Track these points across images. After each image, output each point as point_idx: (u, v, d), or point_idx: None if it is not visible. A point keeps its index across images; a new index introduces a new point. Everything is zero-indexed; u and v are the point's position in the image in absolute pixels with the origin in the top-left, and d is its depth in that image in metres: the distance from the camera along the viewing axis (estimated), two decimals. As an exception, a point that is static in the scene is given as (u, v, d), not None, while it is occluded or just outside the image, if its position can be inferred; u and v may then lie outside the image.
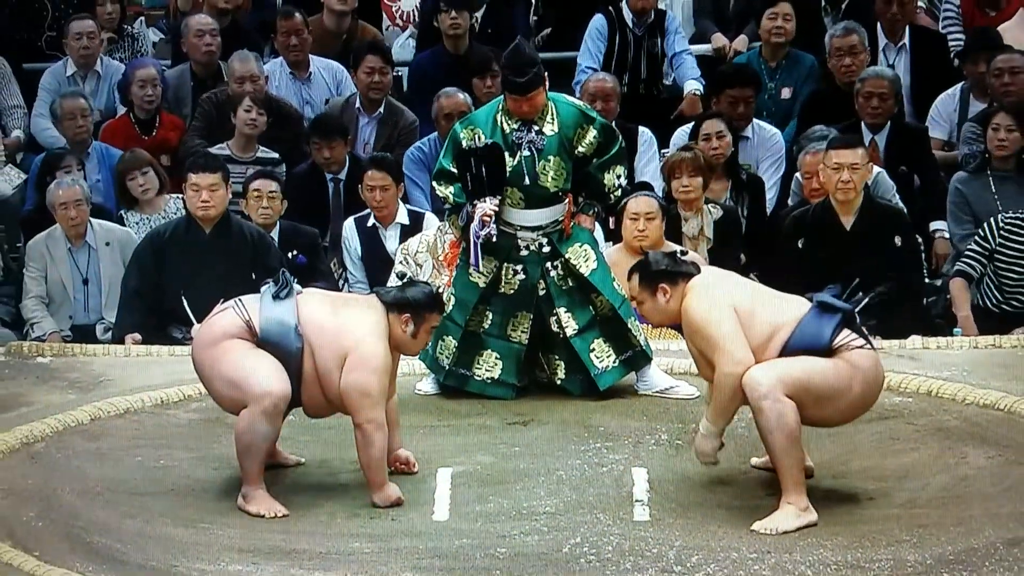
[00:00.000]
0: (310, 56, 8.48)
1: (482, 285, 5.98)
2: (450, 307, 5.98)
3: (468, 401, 5.98)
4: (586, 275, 5.98)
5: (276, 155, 7.89)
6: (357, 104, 8.15)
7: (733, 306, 5.08)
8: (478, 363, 6.01)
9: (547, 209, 5.97)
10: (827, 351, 5.06)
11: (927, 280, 7.30)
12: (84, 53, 8.40)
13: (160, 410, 5.90)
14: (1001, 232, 7.01)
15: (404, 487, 5.32)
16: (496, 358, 6.01)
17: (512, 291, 5.99)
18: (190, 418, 5.86)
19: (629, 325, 5.99)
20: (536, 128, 5.92)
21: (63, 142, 8.02)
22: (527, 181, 5.92)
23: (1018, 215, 7.04)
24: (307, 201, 7.68)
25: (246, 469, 5.17)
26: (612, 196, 6.09)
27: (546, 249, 5.99)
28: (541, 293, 5.99)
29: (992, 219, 7.06)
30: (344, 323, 5.19)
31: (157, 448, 5.61)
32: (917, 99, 8.28)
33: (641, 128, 7.99)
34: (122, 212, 7.59)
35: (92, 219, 7.32)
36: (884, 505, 5.16)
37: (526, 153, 5.92)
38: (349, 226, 7.38)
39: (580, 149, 5.96)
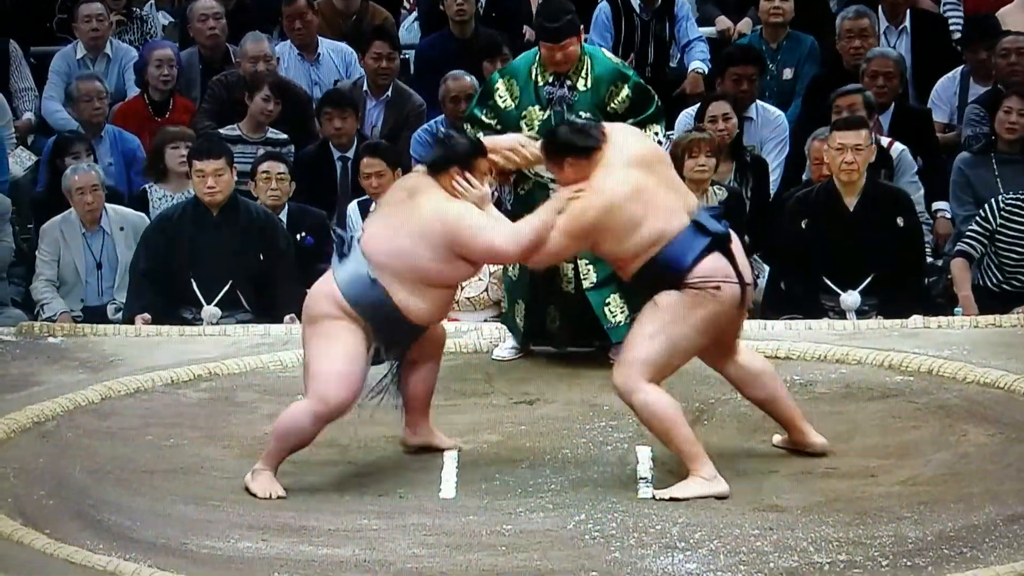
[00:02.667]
0: (319, 38, 8.50)
1: None
2: (516, 270, 6.01)
3: (474, 381, 6.02)
4: None
5: (285, 136, 7.93)
6: (365, 87, 8.18)
7: (624, 201, 5.05)
8: (546, 317, 6.03)
9: None
10: (685, 274, 5.08)
11: (929, 260, 7.33)
12: (94, 36, 8.43)
13: (170, 389, 5.93)
14: (1002, 213, 7.04)
15: (411, 466, 5.36)
16: (556, 311, 6.02)
17: None
18: (200, 397, 5.90)
19: None
20: (569, 83, 5.91)
21: (74, 124, 8.06)
22: None
23: (1019, 196, 7.06)
24: (315, 182, 7.71)
25: (270, 450, 5.20)
26: None
27: None
28: None
29: (993, 200, 7.09)
30: (413, 231, 5.09)
31: (167, 427, 5.65)
32: (918, 81, 8.30)
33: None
34: (147, 186, 7.62)
35: (107, 204, 7.37)
36: (885, 482, 5.20)
37: (557, 108, 5.91)
38: (353, 210, 7.41)
39: (612, 106, 5.93)
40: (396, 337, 5.20)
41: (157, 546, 4.84)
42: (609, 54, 6.11)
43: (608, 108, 5.94)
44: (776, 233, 7.08)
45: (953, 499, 5.04)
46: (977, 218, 7.11)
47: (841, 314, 6.76)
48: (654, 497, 5.07)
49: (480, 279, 6.66)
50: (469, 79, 7.90)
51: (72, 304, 7.29)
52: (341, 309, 5.15)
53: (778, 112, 8.04)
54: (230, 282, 6.85)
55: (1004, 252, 7.04)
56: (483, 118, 6.00)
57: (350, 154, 7.78)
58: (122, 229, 7.34)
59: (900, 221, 6.87)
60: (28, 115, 8.39)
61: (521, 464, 5.36)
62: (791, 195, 7.19)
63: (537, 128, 5.93)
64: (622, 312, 5.98)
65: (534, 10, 8.74)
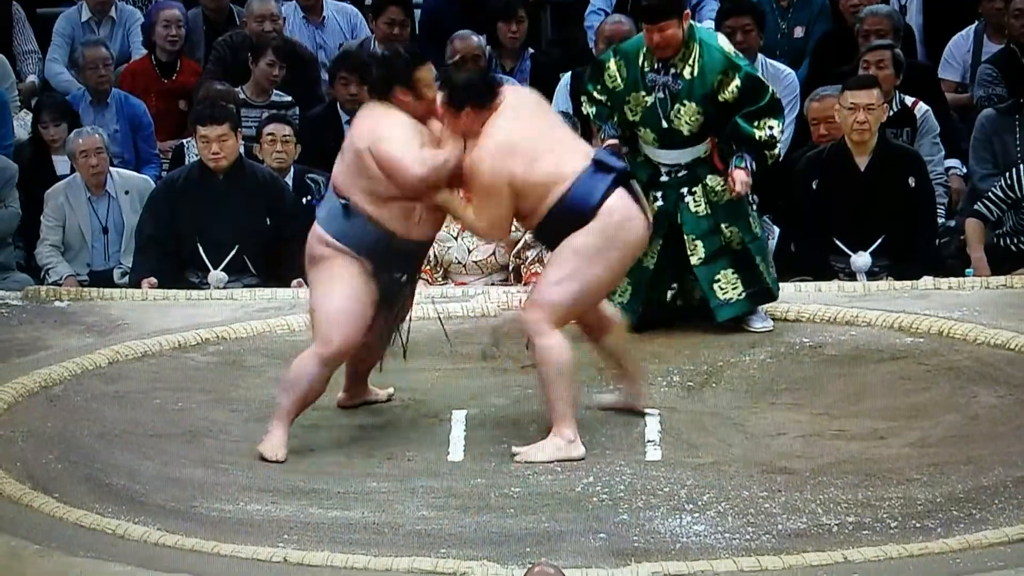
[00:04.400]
0: (323, 0, 8.46)
1: None
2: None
3: (482, 345, 6.01)
4: (721, 204, 5.86)
5: (290, 98, 7.90)
6: (372, 49, 8.14)
7: (514, 166, 5.07)
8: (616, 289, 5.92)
9: (684, 150, 5.85)
10: (593, 212, 5.09)
11: (942, 221, 7.29)
12: (100, -1, 8.40)
13: (178, 353, 5.94)
14: (1023, 182, 6.97)
15: (420, 429, 5.37)
16: (627, 283, 5.92)
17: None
18: (208, 361, 5.90)
19: (758, 262, 5.91)
20: (674, 71, 5.78)
21: (77, 87, 8.04)
22: (663, 124, 5.81)
23: None
24: (322, 145, 7.68)
25: (283, 405, 5.19)
26: (768, 153, 5.85)
27: (682, 174, 5.87)
28: (677, 219, 5.88)
29: (1018, 168, 7.01)
30: (349, 150, 5.15)
31: (175, 391, 5.65)
32: (929, 39, 8.23)
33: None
34: (184, 142, 7.58)
35: (111, 168, 7.35)
36: (895, 444, 5.19)
37: (660, 95, 5.80)
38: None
39: (723, 96, 5.79)
40: (390, 257, 5.19)
41: (166, 509, 4.86)
42: (723, 41, 5.92)
43: (719, 98, 5.78)
44: (786, 194, 7.05)
45: (962, 461, 5.04)
46: (1001, 184, 7.03)
47: (851, 276, 6.73)
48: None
49: (488, 243, 6.64)
50: (476, 40, 7.85)
51: (78, 268, 7.29)
52: (328, 246, 5.17)
53: (788, 70, 7.98)
54: (237, 246, 6.84)
55: None
56: (595, 94, 5.90)
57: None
58: (127, 193, 7.33)
59: (912, 181, 6.83)
60: (32, 78, 8.37)
61: (529, 427, 5.36)
62: (801, 155, 7.15)
63: (641, 115, 5.83)
64: (734, 289, 5.89)
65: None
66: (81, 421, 5.40)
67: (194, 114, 7.04)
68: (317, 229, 5.22)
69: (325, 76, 8.20)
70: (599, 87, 5.91)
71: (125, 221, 7.29)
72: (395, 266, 5.23)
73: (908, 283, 6.42)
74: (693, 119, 5.82)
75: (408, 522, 4.78)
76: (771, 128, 5.84)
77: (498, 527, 4.74)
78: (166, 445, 5.28)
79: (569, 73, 7.84)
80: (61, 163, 7.53)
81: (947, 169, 7.63)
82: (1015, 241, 7.01)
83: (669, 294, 5.98)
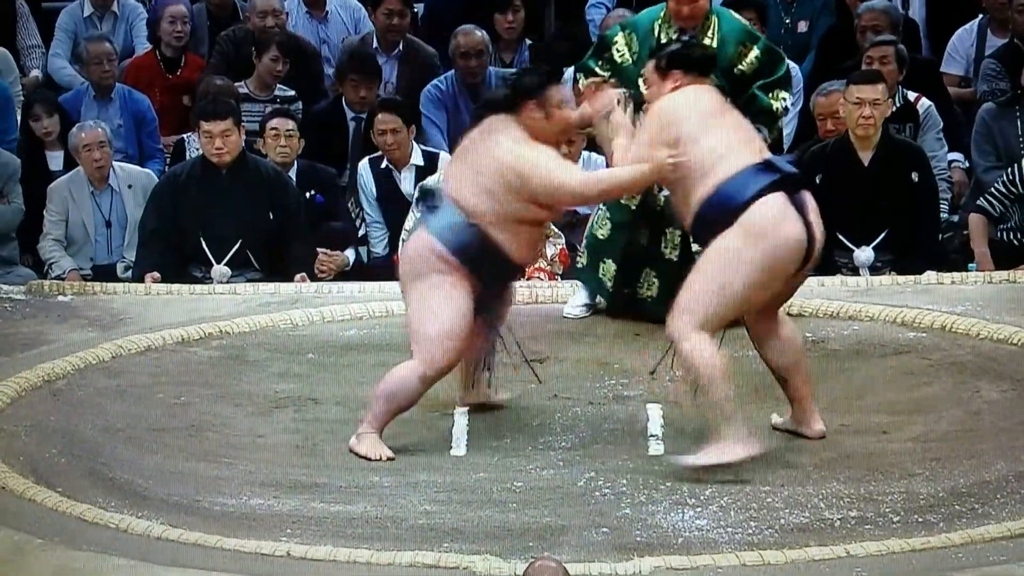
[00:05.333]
0: (328, -7, 8.46)
1: (633, 207, 5.87)
2: (606, 230, 5.93)
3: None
4: None
5: (293, 92, 7.90)
6: (375, 43, 8.14)
7: (684, 126, 5.01)
8: (641, 282, 5.93)
9: None
10: (740, 209, 4.95)
11: (944, 216, 7.28)
12: (102, -8, 8.40)
13: (181, 347, 5.94)
14: None
15: (422, 423, 5.37)
16: (654, 276, 5.93)
17: (660, 206, 5.85)
18: (211, 355, 5.91)
19: None
20: (695, 41, 5.71)
21: (79, 81, 8.04)
22: None
23: None
24: (326, 140, 7.68)
25: (376, 412, 5.15)
26: (780, 121, 5.87)
27: None
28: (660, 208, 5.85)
29: (1021, 163, 6.99)
30: (492, 174, 5.06)
31: (178, 385, 5.66)
32: (933, 34, 8.22)
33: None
34: (185, 136, 7.59)
35: (114, 162, 7.35)
36: (897, 439, 5.19)
37: None
38: (364, 167, 7.38)
39: (740, 67, 5.76)
40: (498, 279, 5.16)
41: (169, 503, 4.86)
42: (736, 15, 5.94)
43: (735, 70, 5.76)
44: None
45: (965, 455, 5.04)
46: (1004, 179, 7.02)
47: (854, 270, 6.73)
48: (667, 460, 5.04)
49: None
50: (480, 34, 7.85)
51: (81, 262, 7.29)
52: (442, 260, 5.08)
53: (792, 65, 7.97)
54: (240, 241, 6.84)
55: None
56: (597, 69, 5.84)
57: (365, 115, 7.74)
58: (130, 187, 7.33)
59: (915, 176, 6.83)
60: (36, 72, 8.37)
61: (532, 422, 5.37)
62: (805, 149, 7.15)
63: None
64: None
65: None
66: (84, 415, 5.41)
67: (197, 109, 7.04)
68: (428, 240, 5.11)
69: (328, 71, 8.21)
70: (602, 63, 5.86)
71: (128, 215, 7.30)
72: (498, 286, 5.20)
73: (911, 278, 6.42)
74: None
75: (411, 516, 4.78)
76: (784, 100, 5.85)
77: (500, 521, 4.74)
78: (169, 439, 5.28)
79: (573, 67, 7.83)
80: (54, 159, 7.53)
81: (950, 163, 7.63)
82: (1019, 236, 7.00)
83: (642, 285, 5.97)
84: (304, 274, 6.81)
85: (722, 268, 4.96)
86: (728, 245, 4.97)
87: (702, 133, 5.03)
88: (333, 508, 4.84)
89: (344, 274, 7.07)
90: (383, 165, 7.33)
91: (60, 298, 6.40)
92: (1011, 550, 4.47)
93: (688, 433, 5.25)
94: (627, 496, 4.87)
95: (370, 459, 5.11)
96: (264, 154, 7.21)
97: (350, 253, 7.21)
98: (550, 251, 6.70)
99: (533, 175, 5.05)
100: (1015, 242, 6.99)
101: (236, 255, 6.84)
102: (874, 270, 6.71)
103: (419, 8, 8.67)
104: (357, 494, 4.92)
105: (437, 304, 5.08)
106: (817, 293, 6.23)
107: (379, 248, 7.29)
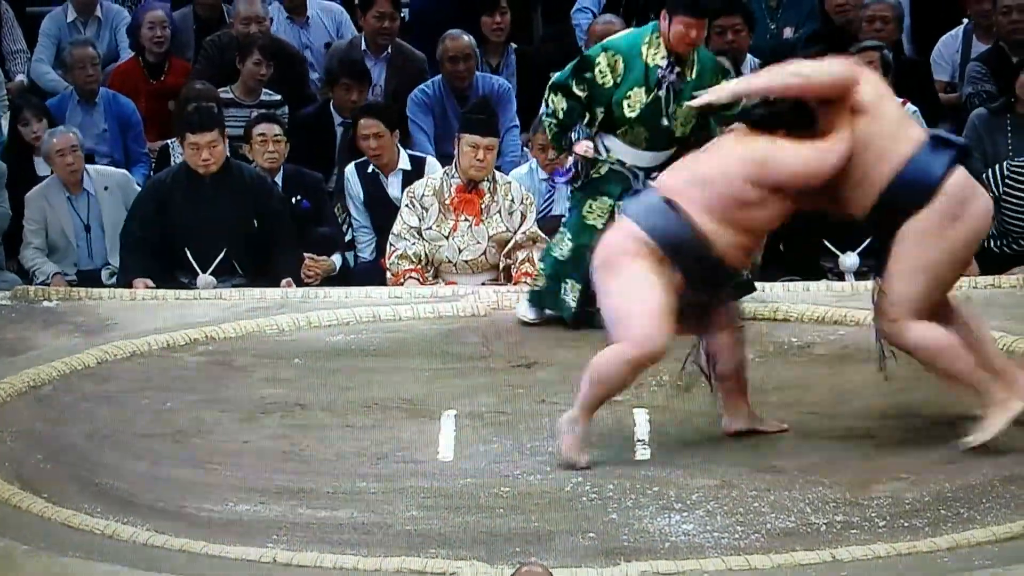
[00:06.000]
0: (307, -1, 8.45)
1: (599, 227, 5.82)
2: (566, 250, 5.91)
3: (472, 344, 6.02)
4: None
5: (279, 97, 7.90)
6: (363, 47, 8.13)
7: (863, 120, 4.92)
8: None
9: (666, 152, 5.80)
10: (935, 189, 4.86)
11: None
12: (85, -2, 8.38)
13: (166, 353, 5.93)
14: (1006, 180, 6.99)
15: (409, 429, 5.37)
16: (576, 281, 5.87)
17: None
18: (196, 361, 5.90)
19: None
20: (678, 69, 5.75)
21: (64, 86, 8.03)
22: (663, 122, 5.78)
23: (1022, 162, 7.02)
24: (312, 145, 7.68)
25: (583, 396, 5.01)
26: None
27: None
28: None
29: (997, 166, 7.04)
30: (716, 166, 4.95)
31: (164, 391, 5.65)
32: (918, 37, 8.24)
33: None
34: (169, 142, 7.57)
35: (87, 166, 7.31)
36: (882, 443, 5.21)
37: (663, 93, 5.77)
38: (351, 171, 7.37)
39: None
40: (703, 279, 4.95)
41: (155, 509, 4.85)
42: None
43: None
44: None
45: (950, 460, 5.05)
46: (984, 180, 7.05)
47: (840, 276, 6.75)
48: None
49: (478, 242, 6.64)
50: (467, 39, 7.85)
51: (66, 268, 7.27)
52: (642, 244, 4.92)
53: None
54: (225, 250, 6.83)
55: (1010, 219, 6.99)
56: (575, 90, 5.82)
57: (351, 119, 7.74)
58: (106, 189, 7.31)
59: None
60: (20, 77, 8.35)
61: (518, 427, 5.37)
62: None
63: (639, 112, 5.80)
64: None
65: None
66: (70, 421, 5.40)
67: (183, 120, 7.01)
68: (628, 225, 4.97)
69: (313, 75, 8.20)
70: (581, 84, 5.87)
71: (107, 218, 7.28)
72: (704, 289, 5.01)
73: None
74: (688, 120, 5.81)
75: (397, 522, 4.78)
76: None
77: (487, 527, 4.74)
78: (155, 445, 5.27)
79: (549, 84, 7.84)
80: (42, 164, 7.51)
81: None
82: (999, 244, 7.03)
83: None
84: (290, 279, 6.80)
85: (927, 250, 4.88)
86: (928, 227, 4.88)
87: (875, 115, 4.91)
88: (319, 514, 4.84)
89: (331, 279, 7.07)
90: (370, 170, 7.32)
91: (45, 304, 6.38)
92: (997, 554, 4.48)
93: (674, 437, 5.26)
94: (614, 501, 4.88)
95: (563, 454, 4.99)
96: (251, 159, 7.20)
97: (337, 258, 7.20)
98: (536, 256, 6.71)
99: (769, 154, 4.90)
100: (995, 250, 7.02)
101: (221, 263, 6.82)
102: (860, 275, 6.72)
103: (404, 13, 8.67)
104: (343, 500, 4.91)
105: (639, 286, 4.88)
106: (803, 298, 6.24)
107: (366, 253, 7.29)
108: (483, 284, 6.61)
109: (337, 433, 5.36)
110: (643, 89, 5.80)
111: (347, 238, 7.32)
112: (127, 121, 7.90)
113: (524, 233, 6.69)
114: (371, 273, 7.00)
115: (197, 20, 8.41)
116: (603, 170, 5.87)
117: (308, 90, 8.06)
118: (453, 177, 6.67)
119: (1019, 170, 6.99)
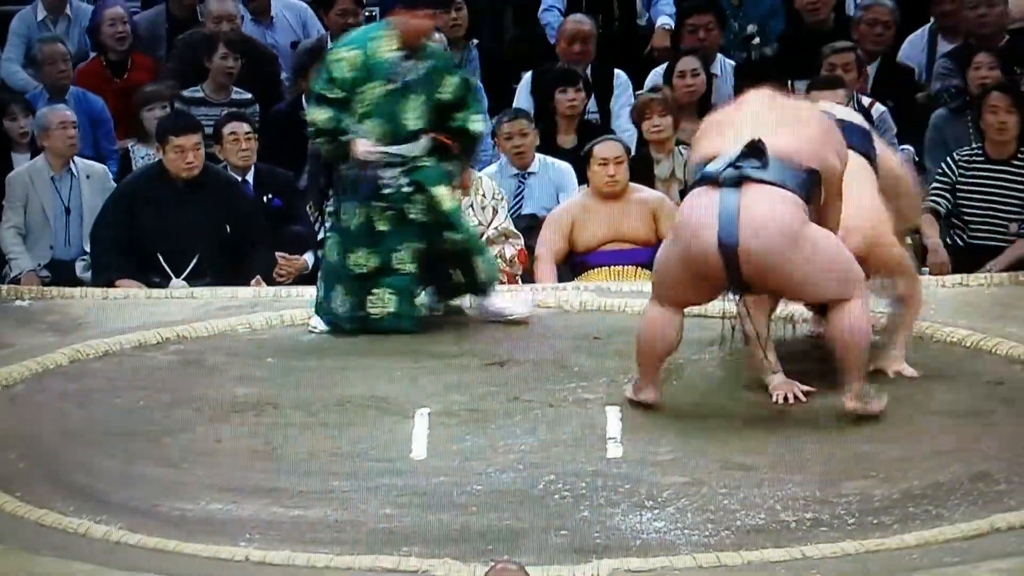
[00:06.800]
0: (271, -1, 8.42)
1: (353, 228, 5.93)
2: (336, 255, 5.96)
3: (445, 343, 6.02)
4: (447, 210, 5.93)
5: (250, 95, 7.88)
6: (329, 45, 8.11)
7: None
8: (371, 302, 5.95)
9: (406, 145, 5.89)
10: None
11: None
12: (54, -3, 8.35)
13: (139, 352, 5.92)
14: (959, 165, 7.10)
15: (382, 427, 5.38)
16: (390, 293, 5.97)
17: (387, 227, 5.93)
18: (169, 360, 5.89)
19: (478, 259, 5.99)
20: (410, 63, 5.85)
21: (34, 85, 7.99)
22: (397, 116, 5.87)
23: (972, 148, 7.11)
24: (284, 142, 7.66)
25: (860, 362, 5.19)
26: (476, 146, 6.06)
27: (407, 189, 5.92)
28: (412, 219, 5.92)
29: (952, 153, 7.14)
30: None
31: (137, 390, 5.64)
32: (901, 37, 8.29)
33: (617, 71, 7.98)
34: (130, 145, 7.56)
35: None
36: (852, 441, 5.23)
37: (396, 86, 5.86)
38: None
39: (442, 96, 5.91)
40: None
41: (128, 508, 4.85)
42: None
43: (436, 96, 5.89)
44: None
45: (919, 458, 5.09)
46: (938, 173, 7.15)
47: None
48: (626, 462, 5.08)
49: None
50: (438, 35, 7.84)
51: (40, 253, 7.24)
52: (802, 209, 5.13)
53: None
54: (198, 255, 6.81)
55: (965, 206, 7.08)
56: (329, 94, 5.88)
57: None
58: (88, 177, 7.32)
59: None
60: (-9, 75, 8.33)
61: (491, 425, 5.38)
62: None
63: (372, 107, 5.85)
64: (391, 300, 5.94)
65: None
66: (43, 420, 5.38)
67: (165, 124, 6.98)
68: (786, 194, 5.08)
69: (283, 74, 8.19)
70: (334, 88, 5.89)
71: (87, 204, 7.26)
72: None
73: (866, 282, 6.45)
74: (419, 113, 5.88)
75: (370, 520, 4.79)
76: (479, 123, 6.00)
77: (461, 525, 4.75)
78: (128, 444, 5.26)
79: (531, 72, 7.86)
80: (21, 161, 7.49)
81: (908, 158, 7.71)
82: (963, 238, 7.09)
83: (378, 303, 5.96)
84: (259, 277, 6.80)
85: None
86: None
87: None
88: (292, 512, 4.84)
89: (303, 277, 7.07)
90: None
91: (18, 303, 6.37)
92: (965, 551, 4.52)
93: (646, 435, 5.28)
94: (586, 499, 4.90)
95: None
96: (220, 159, 7.19)
97: (309, 257, 7.20)
98: (508, 252, 6.73)
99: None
100: (959, 243, 7.08)
101: (194, 268, 6.81)
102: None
103: (375, 11, 8.67)
104: (316, 499, 4.92)
105: (827, 239, 5.15)
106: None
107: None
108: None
109: (310, 432, 5.36)
110: (378, 83, 5.86)
111: (319, 236, 7.32)
112: (97, 118, 7.88)
113: (496, 228, 6.71)
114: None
115: (170, 19, 8.38)
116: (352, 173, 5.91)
117: (279, 88, 8.05)
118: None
119: (968, 157, 7.08)
